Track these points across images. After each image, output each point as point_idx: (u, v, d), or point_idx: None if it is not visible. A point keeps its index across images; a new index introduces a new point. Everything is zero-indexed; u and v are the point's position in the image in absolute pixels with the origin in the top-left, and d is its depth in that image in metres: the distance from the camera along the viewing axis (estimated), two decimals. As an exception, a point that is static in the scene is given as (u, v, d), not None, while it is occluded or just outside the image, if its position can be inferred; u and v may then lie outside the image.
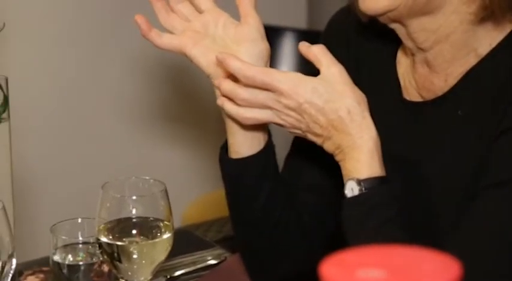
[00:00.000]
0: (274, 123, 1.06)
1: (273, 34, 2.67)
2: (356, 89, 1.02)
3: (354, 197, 1.02)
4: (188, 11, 1.13)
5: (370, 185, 1.01)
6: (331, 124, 1.02)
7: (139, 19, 1.14)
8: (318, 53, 1.03)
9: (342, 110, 1.01)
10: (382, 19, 1.05)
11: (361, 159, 1.02)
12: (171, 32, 1.13)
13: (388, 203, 1.02)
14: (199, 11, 1.13)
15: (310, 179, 1.18)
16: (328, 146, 1.04)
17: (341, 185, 1.05)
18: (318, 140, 1.04)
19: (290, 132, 1.07)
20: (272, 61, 2.96)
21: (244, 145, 1.12)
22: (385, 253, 0.55)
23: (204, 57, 1.10)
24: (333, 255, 0.55)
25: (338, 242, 1.10)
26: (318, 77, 1.03)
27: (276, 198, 1.14)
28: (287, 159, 1.23)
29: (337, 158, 1.04)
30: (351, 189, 1.02)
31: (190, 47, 1.10)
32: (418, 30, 1.05)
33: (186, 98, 2.65)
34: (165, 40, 1.12)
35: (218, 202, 2.58)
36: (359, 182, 1.02)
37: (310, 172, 1.18)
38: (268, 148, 1.12)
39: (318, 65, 1.03)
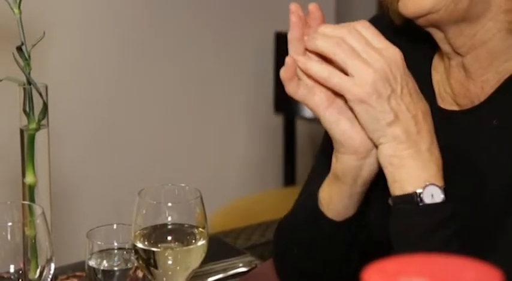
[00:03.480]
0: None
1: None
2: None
3: (436, 205, 0.96)
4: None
5: (445, 193, 0.97)
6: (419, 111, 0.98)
7: (290, 60, 1.00)
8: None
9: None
10: (420, 22, 1.05)
11: (439, 165, 0.98)
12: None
13: (454, 215, 0.98)
14: None
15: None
16: (397, 132, 0.97)
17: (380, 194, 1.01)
18: (388, 117, 0.96)
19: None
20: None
21: (348, 208, 1.07)
22: (427, 261, 0.55)
23: (335, 123, 1.00)
24: (375, 262, 0.56)
25: (368, 253, 1.10)
26: None
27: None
28: (312, 172, 1.21)
29: (403, 154, 0.96)
30: (431, 195, 0.96)
31: (323, 109, 1.00)
32: (456, 35, 1.04)
33: (215, 109, 2.66)
34: (300, 94, 1.00)
35: (244, 210, 2.60)
36: (443, 189, 0.97)
37: None
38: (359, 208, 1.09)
39: None
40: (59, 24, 2.30)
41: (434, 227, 0.96)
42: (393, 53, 0.97)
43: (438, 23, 1.04)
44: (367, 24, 0.99)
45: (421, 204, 0.96)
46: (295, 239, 1.14)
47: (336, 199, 1.06)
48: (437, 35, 1.07)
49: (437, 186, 0.96)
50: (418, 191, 0.96)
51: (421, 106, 0.98)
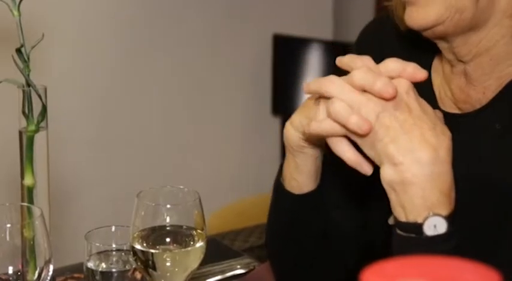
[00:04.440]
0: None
1: (299, 45, 2.69)
2: None
3: (438, 237, 0.89)
4: None
5: (453, 220, 0.90)
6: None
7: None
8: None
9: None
10: (426, 34, 1.04)
11: (446, 190, 0.90)
12: None
13: (460, 238, 0.92)
14: None
15: (338, 197, 1.17)
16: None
17: (378, 204, 0.99)
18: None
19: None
20: (299, 71, 2.98)
21: (309, 182, 1.08)
22: (426, 264, 0.55)
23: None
24: (374, 264, 0.56)
25: (368, 254, 1.10)
26: None
27: (328, 227, 1.13)
28: None
29: (404, 176, 0.90)
30: (434, 226, 0.89)
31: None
32: (461, 44, 1.04)
33: (212, 111, 2.66)
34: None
35: (242, 212, 2.60)
36: (448, 218, 0.90)
37: (338, 189, 1.16)
38: (323, 182, 1.10)
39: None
40: (58, 26, 2.30)
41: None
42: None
43: (444, 35, 1.04)
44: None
45: (423, 236, 0.90)
46: (273, 224, 1.16)
47: (298, 178, 1.07)
48: (442, 45, 1.06)
49: (441, 216, 0.90)
50: (420, 221, 0.90)
51: (427, 124, 0.92)
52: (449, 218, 0.90)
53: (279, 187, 1.11)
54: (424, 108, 0.93)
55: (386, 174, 0.91)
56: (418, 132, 0.90)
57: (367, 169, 0.93)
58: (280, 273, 1.20)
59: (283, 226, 1.14)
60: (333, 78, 0.94)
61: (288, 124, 1.04)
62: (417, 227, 0.90)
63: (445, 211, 0.90)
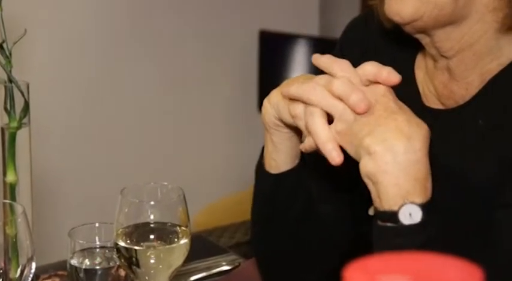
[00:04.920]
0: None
1: (286, 41, 2.69)
2: None
3: (415, 226, 0.90)
4: None
5: (430, 210, 0.91)
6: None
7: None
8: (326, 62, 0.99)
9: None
10: (407, 29, 1.05)
11: (421, 177, 0.91)
12: None
13: (439, 228, 0.93)
14: None
15: (328, 192, 1.17)
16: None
17: (362, 195, 0.99)
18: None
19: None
20: (285, 67, 2.98)
21: (287, 161, 1.09)
22: (409, 260, 0.55)
23: None
24: (357, 261, 0.56)
25: (356, 250, 1.10)
26: None
27: (308, 208, 1.14)
28: None
29: (378, 165, 0.91)
30: (409, 214, 0.90)
31: None
32: (443, 39, 1.04)
33: (200, 108, 2.66)
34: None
35: (228, 209, 2.60)
36: (423, 207, 0.91)
37: (328, 184, 1.16)
38: (302, 161, 1.10)
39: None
40: (40, 22, 2.29)
41: (421, 246, 0.90)
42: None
43: (424, 29, 1.04)
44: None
45: (399, 224, 0.91)
46: (255, 207, 1.16)
47: (275, 157, 1.08)
48: (425, 40, 1.06)
49: (415, 204, 0.91)
50: (395, 209, 0.91)
51: (403, 116, 0.95)
52: (425, 207, 0.91)
53: (259, 168, 1.13)
54: (400, 105, 0.96)
55: (364, 166, 0.93)
56: (393, 124, 0.92)
57: (335, 156, 0.94)
58: (264, 262, 1.20)
59: (264, 208, 1.15)
60: (314, 85, 0.97)
61: (265, 101, 1.05)
62: (393, 216, 0.91)
63: (420, 199, 0.91)
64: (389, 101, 0.95)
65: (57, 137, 2.38)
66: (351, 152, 0.95)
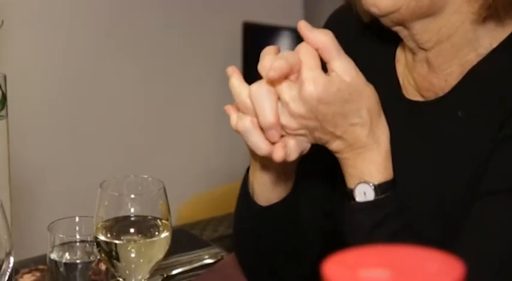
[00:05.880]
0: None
1: (269, 33, 2.68)
2: (370, 84, 0.98)
3: (368, 203, 0.98)
4: None
5: (385, 190, 0.97)
6: (348, 123, 0.96)
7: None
8: (328, 43, 0.96)
9: (363, 110, 0.96)
10: (384, 21, 1.04)
11: (376, 161, 0.98)
12: None
13: (399, 209, 0.99)
14: None
15: (303, 185, 1.16)
16: (335, 145, 0.97)
17: (340, 186, 1.02)
18: (323, 139, 0.97)
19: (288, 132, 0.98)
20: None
21: (274, 193, 1.08)
22: (388, 253, 0.54)
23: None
24: (335, 254, 0.55)
25: (335, 242, 1.09)
26: (334, 74, 0.95)
27: (294, 227, 1.13)
28: None
29: (344, 156, 0.98)
30: (363, 193, 0.97)
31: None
32: (421, 31, 1.04)
33: (183, 100, 2.65)
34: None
35: (212, 201, 2.59)
36: (375, 186, 0.98)
37: (303, 178, 1.15)
38: (294, 189, 1.10)
39: (327, 57, 0.96)
40: (18, 13, 2.27)
41: (377, 223, 0.97)
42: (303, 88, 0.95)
43: (401, 21, 1.04)
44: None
45: (353, 202, 0.98)
46: (238, 225, 1.17)
47: (258, 185, 1.08)
48: (403, 33, 1.06)
49: (368, 183, 0.97)
50: (351, 188, 0.99)
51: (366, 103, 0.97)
52: (379, 187, 0.97)
53: (244, 184, 1.12)
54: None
55: (333, 146, 0.98)
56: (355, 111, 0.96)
57: (279, 154, 0.95)
58: (243, 258, 1.19)
59: (244, 225, 1.15)
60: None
61: None
62: (350, 194, 0.98)
63: (376, 179, 0.97)
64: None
65: (36, 130, 2.36)
66: (312, 139, 0.97)
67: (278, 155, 0.95)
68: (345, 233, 1.01)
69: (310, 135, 0.97)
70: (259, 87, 0.95)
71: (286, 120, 0.95)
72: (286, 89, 0.95)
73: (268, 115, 0.94)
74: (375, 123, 0.97)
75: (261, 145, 0.96)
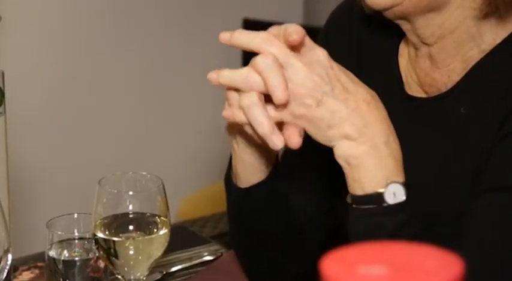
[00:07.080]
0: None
1: (269, 30, 2.67)
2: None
3: (400, 205, 0.92)
4: None
5: (408, 190, 0.93)
6: (362, 98, 0.92)
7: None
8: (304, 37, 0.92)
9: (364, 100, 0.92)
10: (387, 15, 1.04)
11: (397, 156, 0.93)
12: None
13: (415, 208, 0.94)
14: None
15: (303, 181, 1.16)
16: (348, 128, 0.92)
17: (342, 184, 0.97)
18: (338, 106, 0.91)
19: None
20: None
21: (254, 174, 1.06)
22: (387, 250, 0.54)
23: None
24: (334, 251, 0.55)
25: (334, 240, 1.09)
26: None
27: (283, 215, 1.12)
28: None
29: (360, 150, 0.92)
30: (393, 194, 0.91)
31: None
32: (424, 25, 1.04)
33: (182, 96, 2.64)
34: None
35: (212, 198, 2.59)
36: (406, 186, 0.92)
37: (302, 173, 1.15)
38: (275, 171, 1.08)
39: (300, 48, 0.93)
40: (16, 9, 2.26)
41: (399, 227, 0.93)
42: (313, 54, 0.92)
43: (404, 15, 1.03)
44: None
45: (384, 204, 0.92)
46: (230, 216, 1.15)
47: (240, 170, 1.06)
48: (406, 26, 1.06)
49: (399, 183, 0.92)
50: (380, 190, 0.92)
51: (362, 96, 0.92)
52: (406, 185, 0.93)
53: (227, 179, 1.11)
54: (352, 78, 0.94)
55: (341, 150, 0.92)
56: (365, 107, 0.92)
57: (277, 142, 0.91)
58: (242, 255, 1.19)
59: (236, 221, 1.14)
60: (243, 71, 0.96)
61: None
62: (378, 197, 0.92)
63: (401, 178, 0.93)
64: (340, 72, 0.92)
65: (34, 127, 2.36)
66: (317, 136, 0.93)
67: (279, 138, 0.91)
68: (351, 239, 0.96)
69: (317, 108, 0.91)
70: (265, 59, 0.92)
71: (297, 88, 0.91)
72: (296, 57, 0.91)
73: (283, 86, 0.90)
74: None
75: (264, 120, 0.91)
